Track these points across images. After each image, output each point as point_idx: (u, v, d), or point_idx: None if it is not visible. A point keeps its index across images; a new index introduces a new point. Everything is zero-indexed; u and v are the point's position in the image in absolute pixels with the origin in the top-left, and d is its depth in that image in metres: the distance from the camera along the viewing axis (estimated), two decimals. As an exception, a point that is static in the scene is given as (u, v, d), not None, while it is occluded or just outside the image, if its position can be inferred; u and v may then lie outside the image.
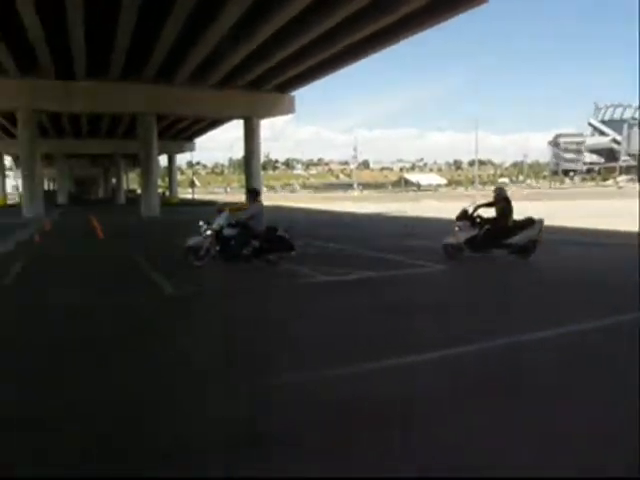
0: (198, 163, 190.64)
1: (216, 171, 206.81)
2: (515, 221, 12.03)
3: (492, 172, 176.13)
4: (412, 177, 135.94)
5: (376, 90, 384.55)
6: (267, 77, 33.07)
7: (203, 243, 11.52)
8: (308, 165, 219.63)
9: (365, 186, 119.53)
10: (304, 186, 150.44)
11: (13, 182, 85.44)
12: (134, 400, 4.50)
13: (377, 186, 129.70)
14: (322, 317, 7.33)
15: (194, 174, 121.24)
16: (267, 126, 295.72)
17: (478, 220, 12.07)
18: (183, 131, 56.28)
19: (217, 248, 11.48)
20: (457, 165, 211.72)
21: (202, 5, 21.22)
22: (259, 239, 11.49)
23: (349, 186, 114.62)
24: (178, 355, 5.79)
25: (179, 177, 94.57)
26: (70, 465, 3.41)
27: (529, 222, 11.94)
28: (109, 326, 7.02)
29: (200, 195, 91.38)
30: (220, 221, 11.58)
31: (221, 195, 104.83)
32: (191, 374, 5.16)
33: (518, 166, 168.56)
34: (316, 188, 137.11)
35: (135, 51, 26.90)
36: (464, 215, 12.23)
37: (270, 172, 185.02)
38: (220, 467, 3.39)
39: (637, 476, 3.18)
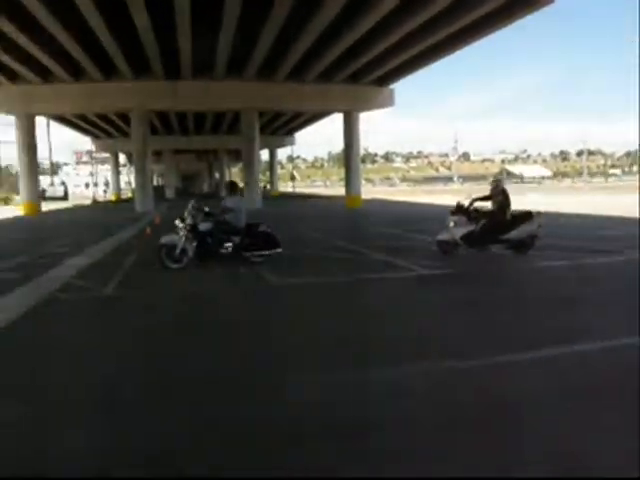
0: (298, 157, 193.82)
1: (316, 165, 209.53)
2: (513, 215, 11.51)
3: (602, 162, 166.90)
4: (514, 169, 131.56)
5: (476, 81, 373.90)
6: (366, 70, 33.03)
7: (178, 242, 10.75)
8: (407, 158, 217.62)
9: (465, 179, 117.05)
10: (403, 179, 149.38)
11: (125, 178, 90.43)
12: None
13: (478, 178, 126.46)
14: (427, 308, 7.51)
15: (294, 168, 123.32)
16: (366, 119, 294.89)
17: (474, 214, 11.58)
18: (283, 126, 57.32)
19: (194, 244, 10.78)
20: (563, 156, 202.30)
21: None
22: (239, 235, 10.83)
23: (449, 179, 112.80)
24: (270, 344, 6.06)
25: (280, 171, 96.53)
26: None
27: (528, 216, 11.45)
28: (227, 310, 7.69)
29: (300, 189, 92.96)
30: (195, 214, 10.96)
31: (320, 188, 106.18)
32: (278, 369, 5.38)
33: (632, 156, 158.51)
34: (415, 181, 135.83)
35: (237, 50, 27.70)
36: (459, 209, 11.76)
37: (369, 165, 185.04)
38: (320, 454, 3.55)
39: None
